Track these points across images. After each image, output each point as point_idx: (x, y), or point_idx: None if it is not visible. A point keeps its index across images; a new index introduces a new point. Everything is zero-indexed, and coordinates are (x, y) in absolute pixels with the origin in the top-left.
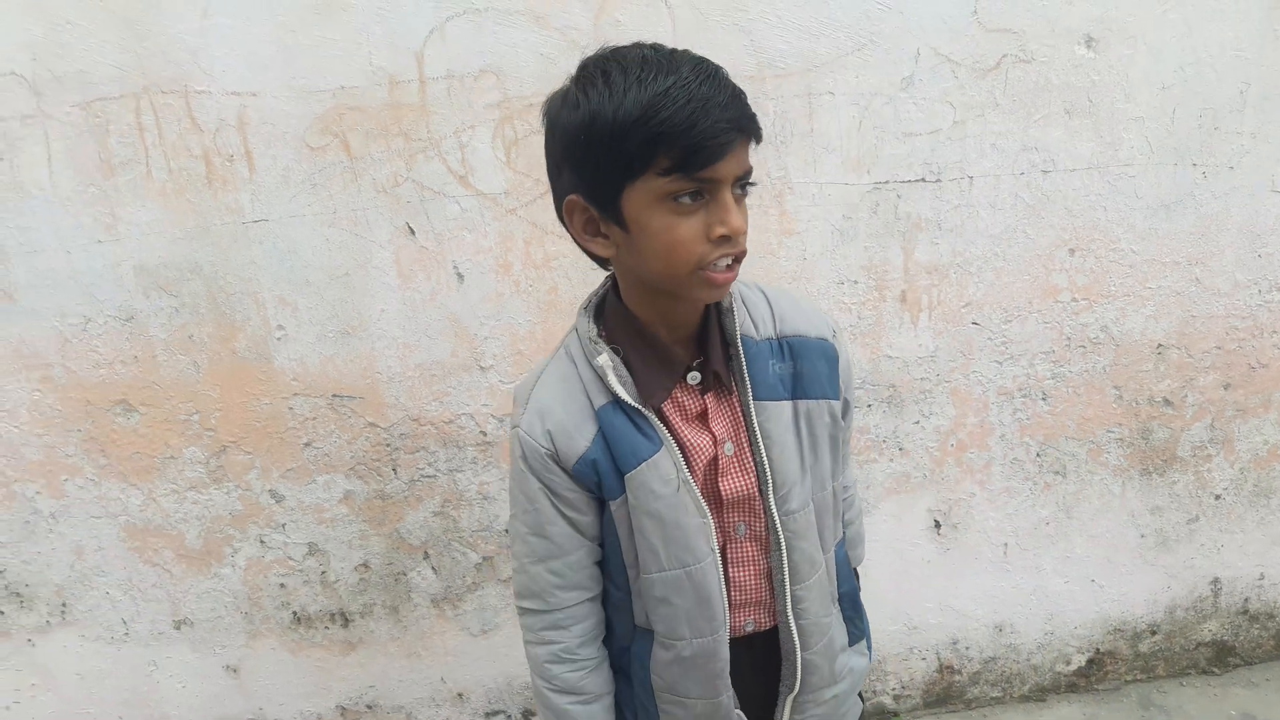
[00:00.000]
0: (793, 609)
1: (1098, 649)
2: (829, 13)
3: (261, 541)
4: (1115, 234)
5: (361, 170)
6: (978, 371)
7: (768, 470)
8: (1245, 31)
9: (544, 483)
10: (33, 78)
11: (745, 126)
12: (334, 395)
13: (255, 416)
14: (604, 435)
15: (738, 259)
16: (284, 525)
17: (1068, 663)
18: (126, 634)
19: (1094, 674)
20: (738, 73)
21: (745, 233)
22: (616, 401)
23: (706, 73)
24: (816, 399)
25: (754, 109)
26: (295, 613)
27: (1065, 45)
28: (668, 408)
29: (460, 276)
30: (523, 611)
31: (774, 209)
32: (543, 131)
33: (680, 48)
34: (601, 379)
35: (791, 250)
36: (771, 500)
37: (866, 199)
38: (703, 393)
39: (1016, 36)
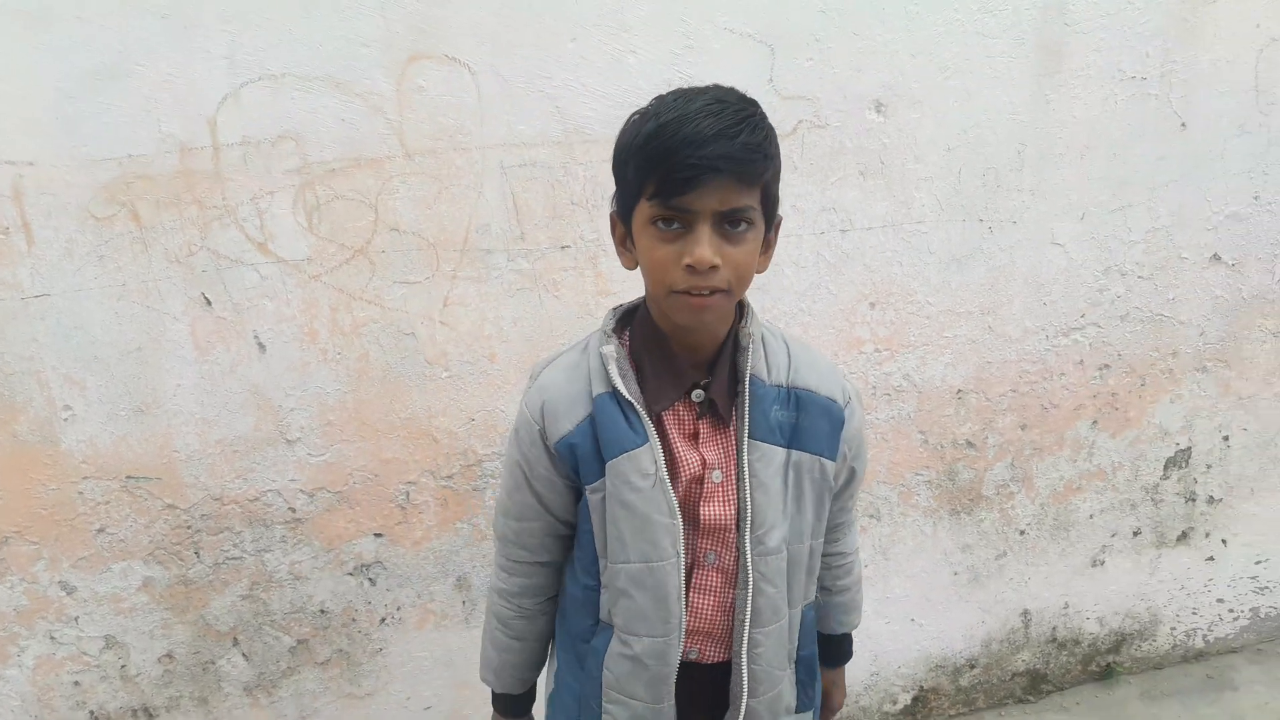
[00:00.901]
0: (748, 651)
1: (921, 686)
2: (631, 81)
3: (52, 638)
4: (912, 287)
5: (152, 240)
6: None
7: (749, 507)
8: (1019, 97)
9: (524, 455)
10: None
11: (722, 166)
12: (128, 476)
13: (40, 503)
14: (594, 421)
15: (718, 290)
16: (77, 618)
17: (894, 702)
18: None
19: (919, 711)
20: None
21: (716, 266)
22: (614, 393)
23: (714, 109)
24: (811, 453)
25: (764, 151)
26: (92, 712)
27: (857, 110)
28: (668, 417)
29: (262, 346)
30: (495, 537)
31: (589, 270)
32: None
33: (726, 86)
34: (605, 368)
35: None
36: (747, 537)
37: None
38: (699, 417)
39: (811, 103)
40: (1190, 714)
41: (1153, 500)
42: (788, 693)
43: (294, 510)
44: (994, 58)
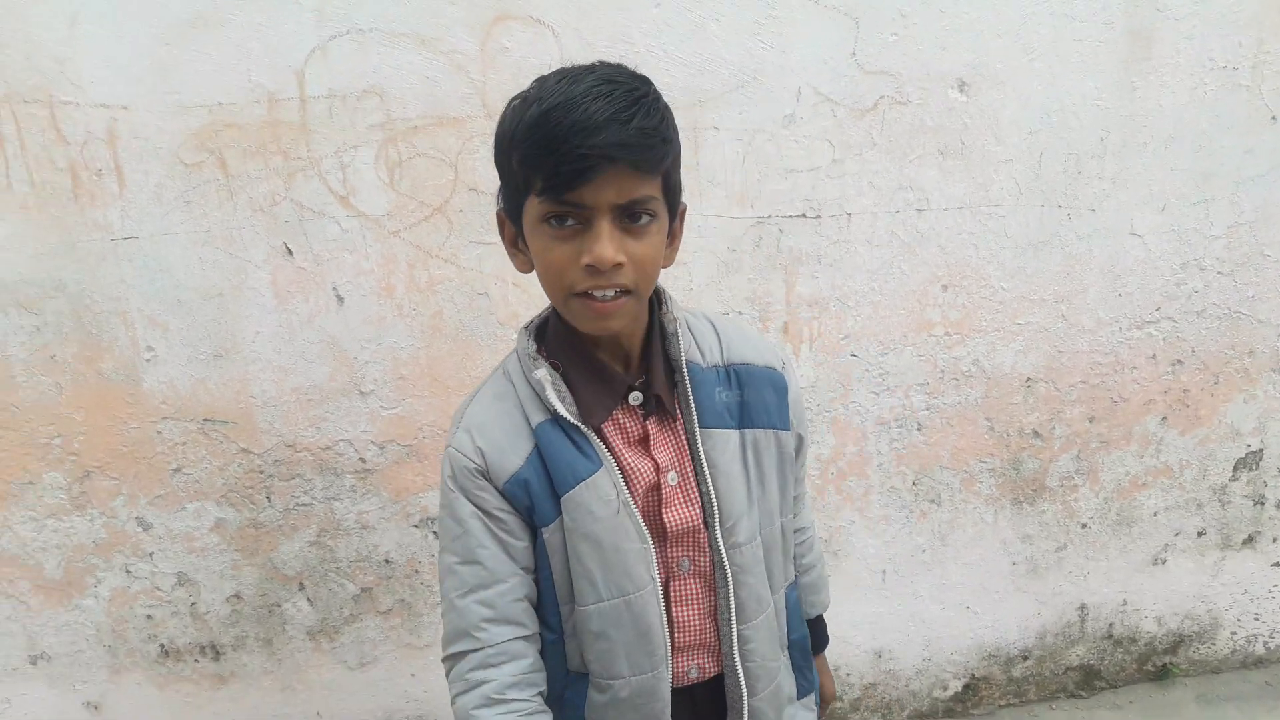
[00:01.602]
0: (739, 649)
1: (973, 674)
2: (714, 49)
3: (127, 571)
4: (986, 271)
5: (238, 188)
6: (856, 402)
7: (714, 500)
8: (1105, 83)
9: (474, 502)
10: None
11: (619, 154)
12: (205, 420)
13: (122, 441)
14: (540, 454)
15: (623, 292)
16: (151, 554)
17: (945, 688)
18: None
19: (969, 699)
20: None
21: (620, 264)
22: (555, 419)
23: (604, 91)
24: (765, 428)
25: (662, 134)
26: (163, 645)
27: (939, 89)
28: (608, 429)
29: (340, 299)
30: (451, 660)
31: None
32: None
33: (623, 68)
34: (539, 395)
35: (678, 281)
36: (718, 532)
37: (750, 232)
38: (645, 417)
39: (893, 79)
40: (1247, 719)
41: (1220, 501)
42: (786, 682)
43: (364, 461)
44: (1081, 41)
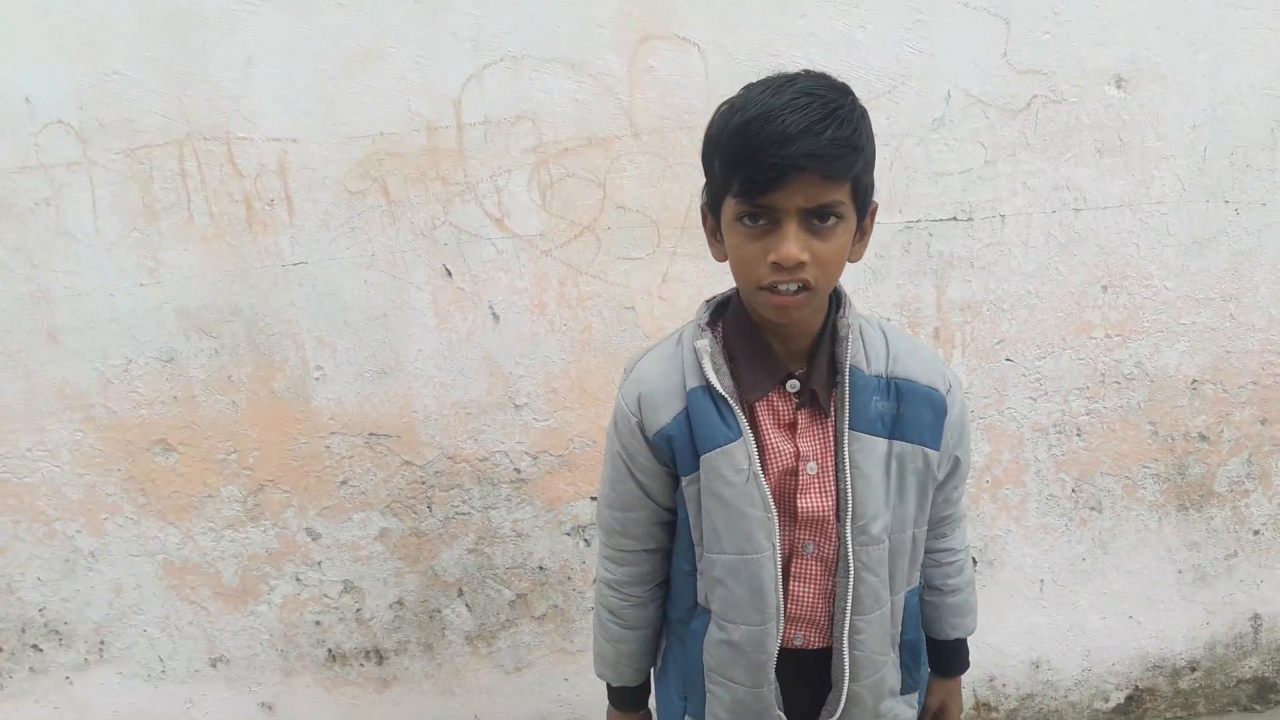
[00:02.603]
0: (849, 638)
1: (1136, 686)
2: (860, 56)
3: (298, 579)
4: (1148, 270)
5: (399, 213)
6: (1012, 408)
7: (849, 498)
8: (1275, 71)
9: (624, 446)
10: (79, 126)
11: (808, 164)
12: (371, 434)
13: (293, 455)
14: (689, 415)
15: (806, 287)
16: (320, 563)
17: (1106, 700)
18: (163, 671)
19: (1133, 711)
20: None
21: (803, 262)
22: (707, 387)
23: (801, 104)
24: (914, 444)
25: (853, 144)
26: (330, 650)
27: (1095, 86)
28: (760, 407)
29: (495, 316)
30: (597, 538)
31: None
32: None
33: (823, 78)
34: (699, 361)
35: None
36: (848, 527)
37: (898, 238)
38: (798, 407)
39: (1047, 77)
40: None
41: None
42: (891, 676)
43: (519, 471)
44: (1248, 29)
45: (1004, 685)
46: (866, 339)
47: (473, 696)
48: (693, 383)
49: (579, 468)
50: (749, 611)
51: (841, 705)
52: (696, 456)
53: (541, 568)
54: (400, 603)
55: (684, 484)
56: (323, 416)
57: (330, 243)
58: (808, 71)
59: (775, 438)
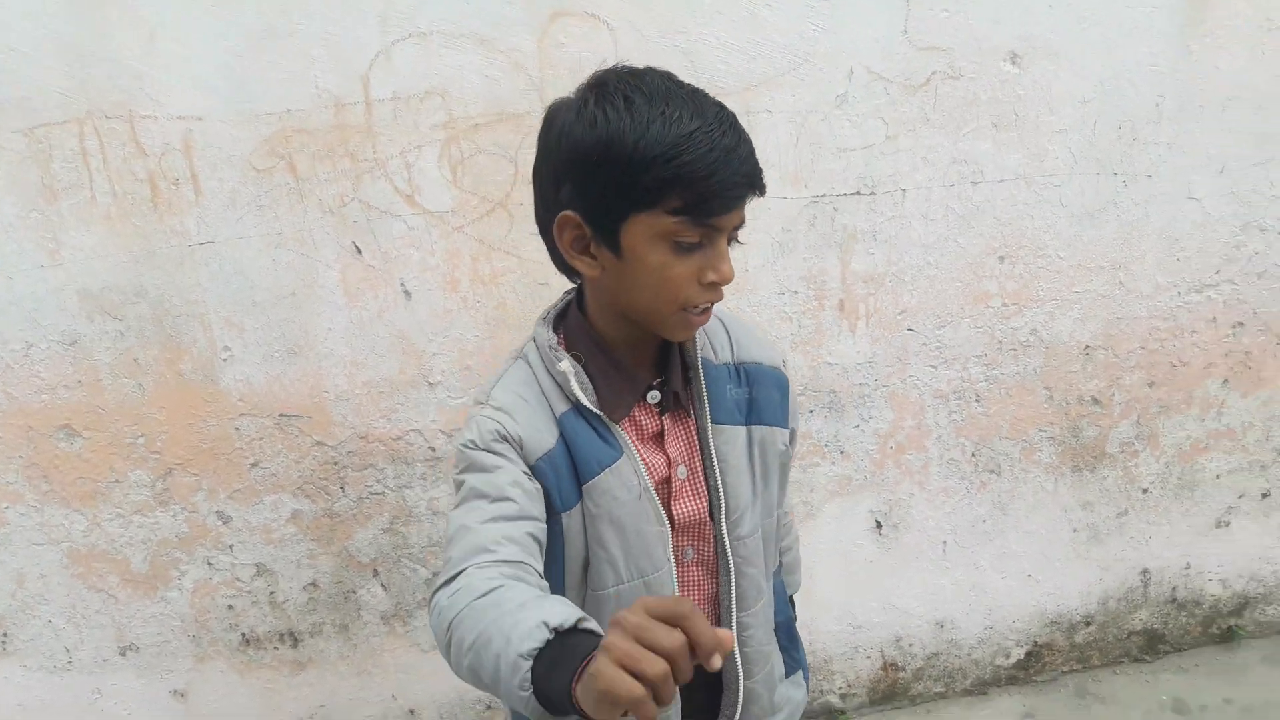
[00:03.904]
0: (738, 635)
1: (1035, 642)
2: (765, 34)
3: (209, 563)
4: (1042, 241)
5: (308, 191)
6: (914, 376)
7: (721, 494)
8: (1160, 48)
9: (504, 455)
10: None
11: (756, 182)
12: (281, 415)
13: (202, 438)
14: (565, 442)
15: (714, 303)
16: (231, 546)
17: (1007, 656)
18: (70, 662)
19: (1032, 666)
20: None
21: (731, 281)
22: (578, 408)
23: (728, 122)
24: (770, 425)
25: None
26: (244, 634)
27: (991, 62)
28: (625, 425)
29: (407, 294)
30: (448, 578)
31: None
32: (533, 141)
33: (692, 85)
34: (562, 386)
35: (734, 263)
36: (723, 524)
37: (804, 212)
38: (660, 414)
39: (945, 54)
40: None
41: None
42: (777, 664)
43: (434, 449)
44: (1134, 7)
45: (910, 645)
46: (709, 330)
47: (390, 676)
48: (562, 407)
49: None
50: None
51: (739, 707)
52: (578, 487)
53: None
54: (314, 584)
55: (565, 520)
56: (231, 398)
57: (237, 221)
58: (667, 75)
59: (646, 452)
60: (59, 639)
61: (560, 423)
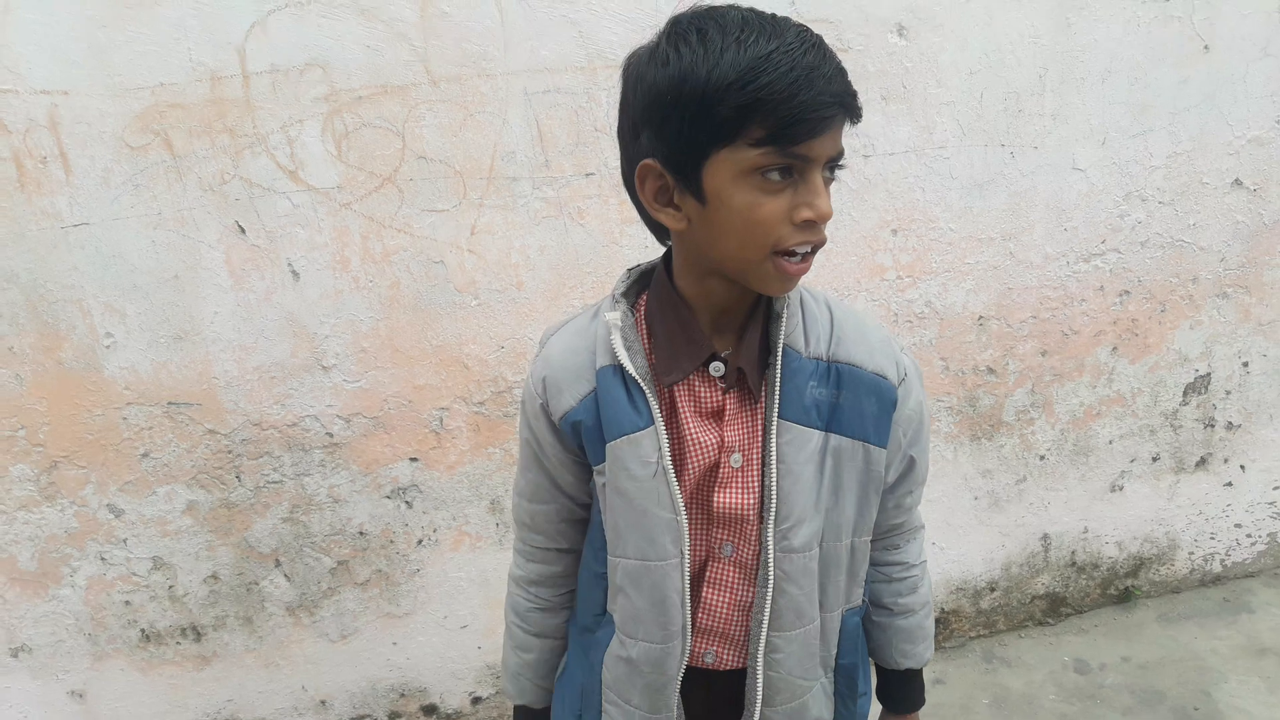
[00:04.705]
0: (764, 656)
1: (943, 609)
2: (652, 4)
3: (102, 559)
4: (934, 213)
5: (186, 169)
6: None
7: (774, 497)
8: (1040, 20)
9: (532, 430)
10: None
11: (848, 103)
12: (170, 403)
13: (87, 429)
14: (597, 398)
15: (815, 249)
16: (125, 540)
17: None
18: None
19: (940, 633)
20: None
21: (830, 218)
22: (617, 366)
23: (811, 41)
24: (853, 438)
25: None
26: (143, 630)
27: (879, 34)
28: (679, 392)
29: (295, 274)
30: (512, 529)
31: (614, 198)
32: (619, 92)
33: (776, 14)
34: (608, 337)
35: (634, 238)
36: (770, 530)
37: None
38: (726, 390)
39: (833, 26)
40: (1207, 635)
41: (1172, 426)
42: (816, 705)
43: (331, 435)
44: None
45: None
46: (807, 315)
47: (298, 668)
48: (602, 361)
49: (395, 429)
50: (650, 627)
51: None
52: (603, 445)
53: (362, 533)
54: (215, 576)
55: (595, 475)
56: (117, 386)
57: (112, 202)
58: (753, 9)
59: (695, 428)
60: None
61: (598, 376)
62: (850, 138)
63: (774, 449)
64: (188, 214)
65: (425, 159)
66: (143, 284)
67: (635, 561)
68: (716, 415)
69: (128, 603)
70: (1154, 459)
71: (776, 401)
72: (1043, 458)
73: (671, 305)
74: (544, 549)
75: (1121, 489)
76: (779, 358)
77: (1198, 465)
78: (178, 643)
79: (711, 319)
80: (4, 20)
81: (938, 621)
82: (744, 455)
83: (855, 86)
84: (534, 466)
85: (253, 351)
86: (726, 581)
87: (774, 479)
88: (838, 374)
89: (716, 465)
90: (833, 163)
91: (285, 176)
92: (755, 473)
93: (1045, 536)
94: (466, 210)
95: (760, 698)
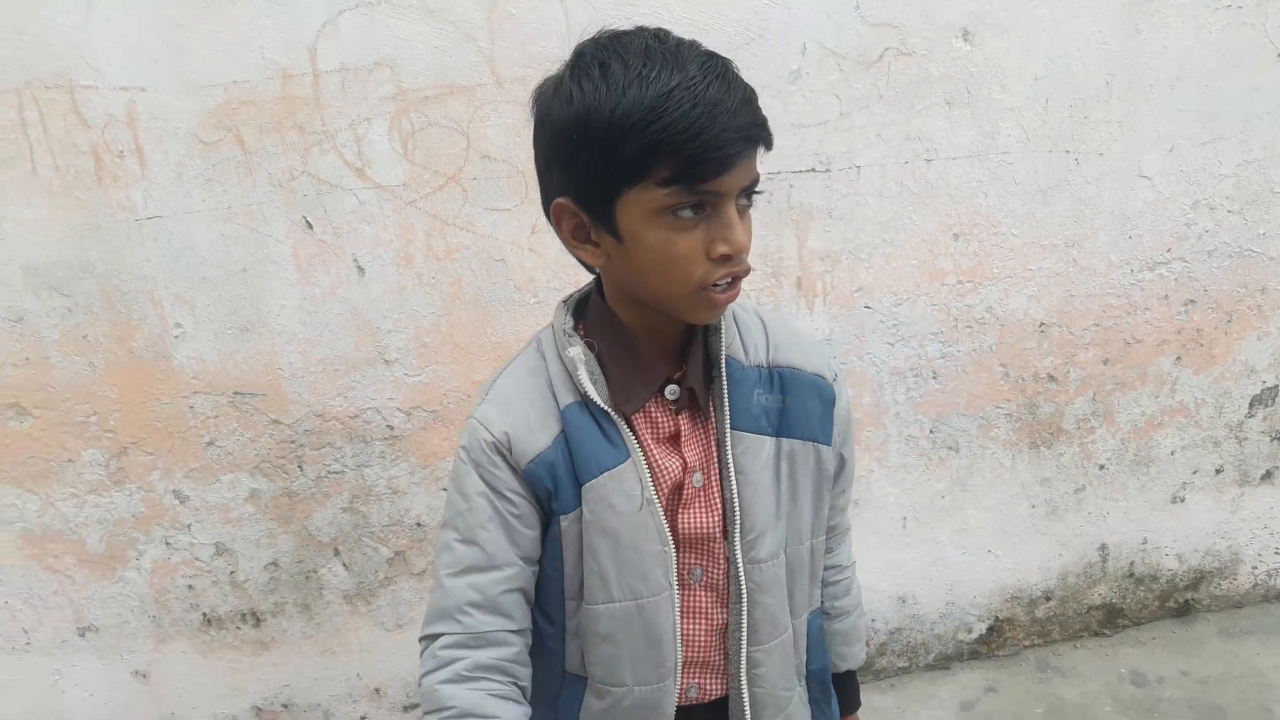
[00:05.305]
0: (747, 673)
1: (996, 616)
2: (719, 8)
3: (167, 543)
4: (996, 218)
5: (256, 164)
6: (871, 353)
7: (736, 509)
8: (1108, 26)
9: (485, 479)
10: None
11: (755, 135)
12: (235, 392)
13: (155, 416)
14: (566, 438)
15: (739, 277)
16: (189, 526)
17: (969, 631)
18: (28, 644)
19: (994, 641)
20: None
21: (748, 249)
22: (584, 402)
23: (715, 71)
24: (803, 439)
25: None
26: (205, 614)
27: (944, 38)
28: (639, 420)
29: (361, 269)
30: (427, 640)
31: None
32: (532, 120)
33: (686, 38)
34: (570, 374)
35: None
36: (737, 545)
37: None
38: (676, 413)
39: (897, 30)
40: (1269, 652)
41: (1237, 438)
42: (799, 715)
43: (391, 428)
44: None
45: (873, 620)
46: (741, 325)
47: (353, 655)
48: (567, 399)
49: (453, 422)
50: (644, 668)
51: None
52: (578, 487)
53: (419, 524)
54: (275, 564)
55: (563, 524)
56: (185, 376)
57: (185, 195)
58: (658, 29)
59: (660, 454)
60: (16, 620)
61: (563, 416)
62: (912, 141)
63: (730, 460)
64: (257, 209)
65: (489, 158)
66: (212, 276)
67: (626, 603)
68: (674, 439)
69: (190, 587)
70: (1217, 471)
71: (727, 413)
72: (1102, 467)
73: (618, 335)
74: (497, 631)
75: (1183, 501)
76: (723, 370)
77: (1263, 479)
78: (237, 627)
79: (653, 343)
80: (86, 18)
81: (990, 629)
82: (704, 474)
83: (765, 113)
84: (493, 522)
85: (317, 344)
86: (700, 608)
87: (734, 490)
88: (781, 379)
89: (680, 487)
90: (747, 191)
91: (352, 174)
92: (715, 489)
93: (1103, 547)
94: (528, 209)
95: (749, 717)
